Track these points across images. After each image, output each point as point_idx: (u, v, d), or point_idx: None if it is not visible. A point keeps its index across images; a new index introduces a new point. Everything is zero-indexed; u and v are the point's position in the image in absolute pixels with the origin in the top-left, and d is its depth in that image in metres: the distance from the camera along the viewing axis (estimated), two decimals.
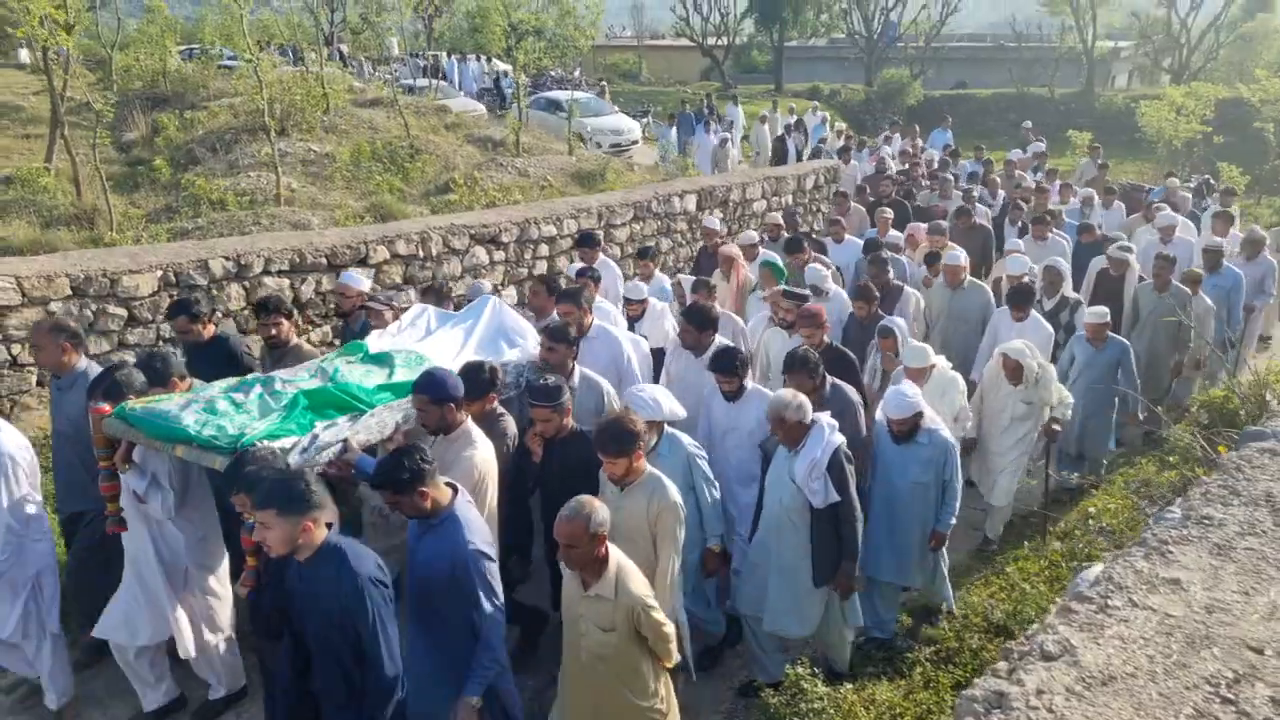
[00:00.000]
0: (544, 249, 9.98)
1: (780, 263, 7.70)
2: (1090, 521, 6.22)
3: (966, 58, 40.63)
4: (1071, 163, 18.09)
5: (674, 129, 19.97)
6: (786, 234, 9.36)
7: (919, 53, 37.26)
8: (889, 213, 10.11)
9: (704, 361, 5.36)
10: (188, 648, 4.30)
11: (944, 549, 5.34)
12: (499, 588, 3.52)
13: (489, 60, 26.33)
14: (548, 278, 6.61)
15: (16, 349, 6.43)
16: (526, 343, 5.29)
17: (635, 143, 20.56)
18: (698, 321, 5.66)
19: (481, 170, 12.90)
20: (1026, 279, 7.71)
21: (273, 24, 18.74)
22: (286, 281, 7.81)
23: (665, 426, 4.56)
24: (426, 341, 5.16)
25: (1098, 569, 3.75)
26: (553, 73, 25.11)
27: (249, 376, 4.46)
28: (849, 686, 4.58)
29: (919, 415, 4.94)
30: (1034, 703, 2.46)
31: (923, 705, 4.46)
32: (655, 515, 4.02)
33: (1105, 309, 6.98)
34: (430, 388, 4.10)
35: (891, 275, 7.69)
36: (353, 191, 11.60)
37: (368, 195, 11.44)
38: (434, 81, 22.11)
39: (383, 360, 4.75)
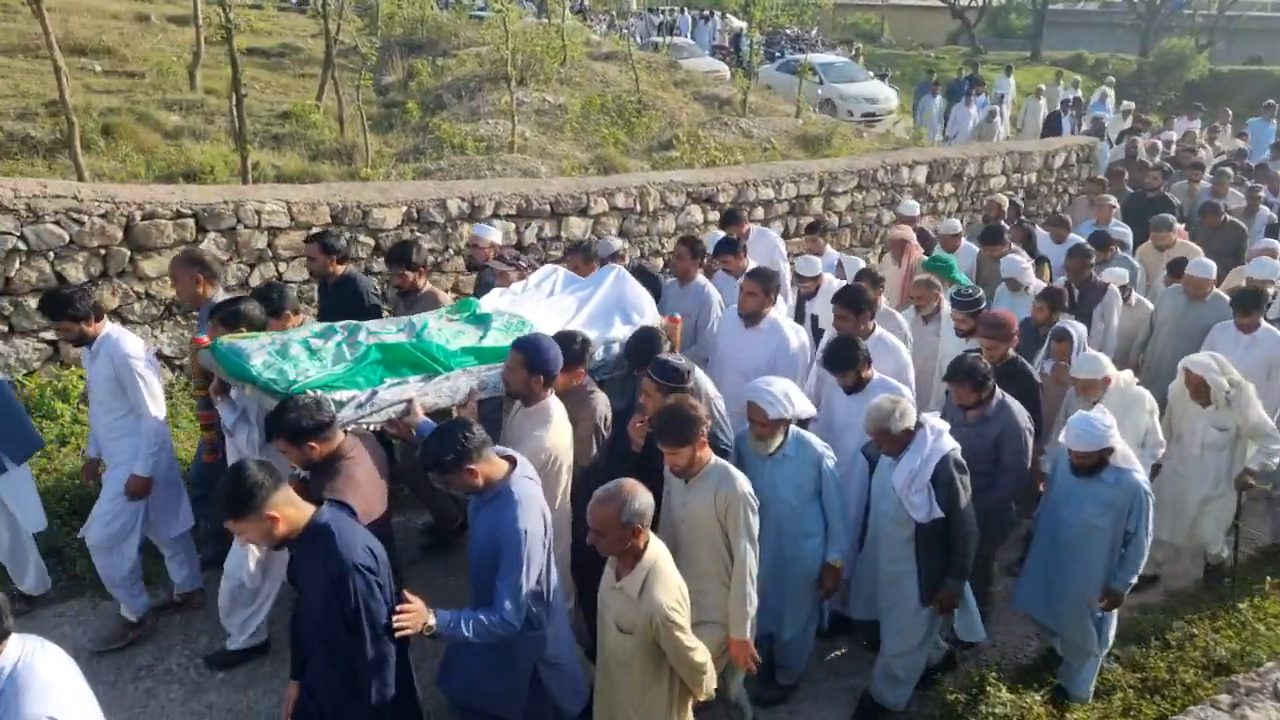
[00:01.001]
0: (759, 212, 9.86)
1: (953, 260, 6.84)
2: None
3: (1267, 29, 35.59)
4: None
5: (936, 98, 18.17)
6: (1004, 218, 8.41)
7: (1209, 21, 33.05)
8: (1112, 199, 8.96)
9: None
10: (246, 576, 4.35)
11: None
12: (534, 574, 3.26)
13: (724, 17, 26.13)
14: (692, 239, 6.12)
15: (283, 267, 7.20)
16: (644, 320, 4.89)
17: (890, 112, 19.03)
18: (852, 304, 5.07)
19: (705, 129, 12.91)
20: (1272, 288, 6.57)
21: None
22: (512, 225, 8.22)
23: (793, 427, 4.19)
24: (537, 306, 4.90)
25: None
26: (788, 31, 24.50)
27: (337, 323, 4.38)
28: (1036, 698, 4.32)
29: (1107, 450, 4.20)
30: None
31: None
32: (724, 508, 3.71)
33: None
34: (529, 350, 3.92)
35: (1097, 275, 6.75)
36: (580, 143, 11.97)
37: (593, 148, 11.77)
38: (676, 39, 22.17)
39: (482, 321, 4.52)
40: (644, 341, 4.49)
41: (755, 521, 3.76)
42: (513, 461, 3.41)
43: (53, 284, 6.29)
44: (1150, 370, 6.70)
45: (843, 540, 4.27)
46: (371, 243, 7.56)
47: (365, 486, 3.48)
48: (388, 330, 4.32)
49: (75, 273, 6.36)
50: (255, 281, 7.14)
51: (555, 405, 3.96)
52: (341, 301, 5.33)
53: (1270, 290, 6.68)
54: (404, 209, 7.67)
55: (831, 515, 4.21)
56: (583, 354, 4.25)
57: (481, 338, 4.37)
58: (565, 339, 4.19)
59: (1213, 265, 6.68)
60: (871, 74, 21.36)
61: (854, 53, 24.22)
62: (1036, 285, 6.60)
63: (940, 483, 3.96)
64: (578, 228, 8.56)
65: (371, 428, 3.85)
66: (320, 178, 9.47)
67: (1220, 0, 33.60)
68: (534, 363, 3.86)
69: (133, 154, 9.60)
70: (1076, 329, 5.51)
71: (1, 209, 6.03)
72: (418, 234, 7.75)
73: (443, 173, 10.19)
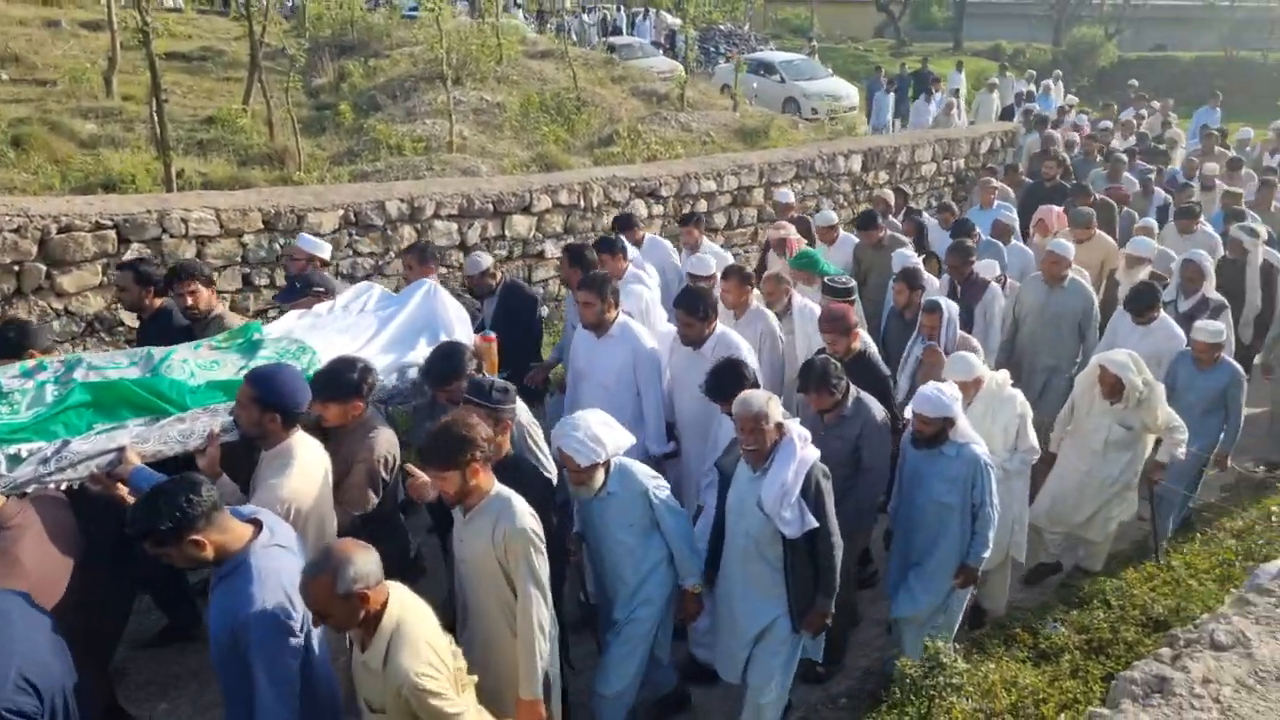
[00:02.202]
0: (703, 204, 9.91)
1: (817, 254, 6.52)
2: (1273, 519, 5.71)
3: (1170, 17, 37.09)
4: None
5: (891, 95, 18.06)
6: (893, 211, 8.17)
7: (1116, 11, 34.39)
8: (994, 183, 9.00)
9: (704, 359, 4.66)
10: None
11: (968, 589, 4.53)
12: (287, 663, 2.70)
13: (658, 14, 26.24)
14: (576, 247, 5.89)
15: (216, 276, 6.96)
16: (454, 339, 4.32)
17: (853, 109, 18.73)
18: (693, 309, 4.78)
19: (645, 124, 12.91)
20: (1142, 272, 6.64)
21: None
22: (455, 226, 8.09)
23: (615, 459, 3.80)
24: (332, 329, 4.26)
25: None
26: (722, 27, 24.70)
27: (51, 359, 3.75)
28: (991, 666, 4.42)
29: (948, 421, 4.22)
30: (1199, 691, 2.30)
31: (1069, 694, 4.24)
32: (503, 544, 3.24)
33: (1219, 326, 5.75)
34: (260, 382, 3.35)
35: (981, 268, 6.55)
36: (520, 141, 11.87)
37: (534, 145, 11.68)
38: (629, 39, 22.00)
39: (251, 350, 3.90)
40: (444, 358, 3.98)
41: (542, 563, 3.30)
42: (259, 527, 2.84)
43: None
44: (1018, 365, 6.52)
45: (689, 562, 3.91)
46: None
47: (30, 563, 2.84)
48: (115, 364, 3.62)
49: None
50: None
51: (301, 446, 3.41)
52: (156, 338, 4.65)
53: (1145, 270, 6.76)
54: (341, 212, 7.48)
55: (675, 542, 3.86)
56: (360, 384, 3.68)
57: (241, 369, 3.70)
58: (341, 367, 3.69)
59: (1071, 246, 6.60)
60: (830, 70, 21.17)
61: (810, 50, 24.12)
62: (929, 281, 6.33)
63: (809, 493, 3.71)
64: (522, 226, 8.48)
65: (64, 486, 3.18)
66: (250, 184, 9.20)
67: None
68: (266, 397, 3.30)
69: (46, 165, 9.17)
70: (947, 303, 5.39)
71: None
72: (356, 238, 7.63)
73: (380, 174, 10.00)
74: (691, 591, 3.96)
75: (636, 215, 7.46)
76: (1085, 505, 5.35)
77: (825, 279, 5.61)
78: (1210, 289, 6.71)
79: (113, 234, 6.51)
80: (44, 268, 6.28)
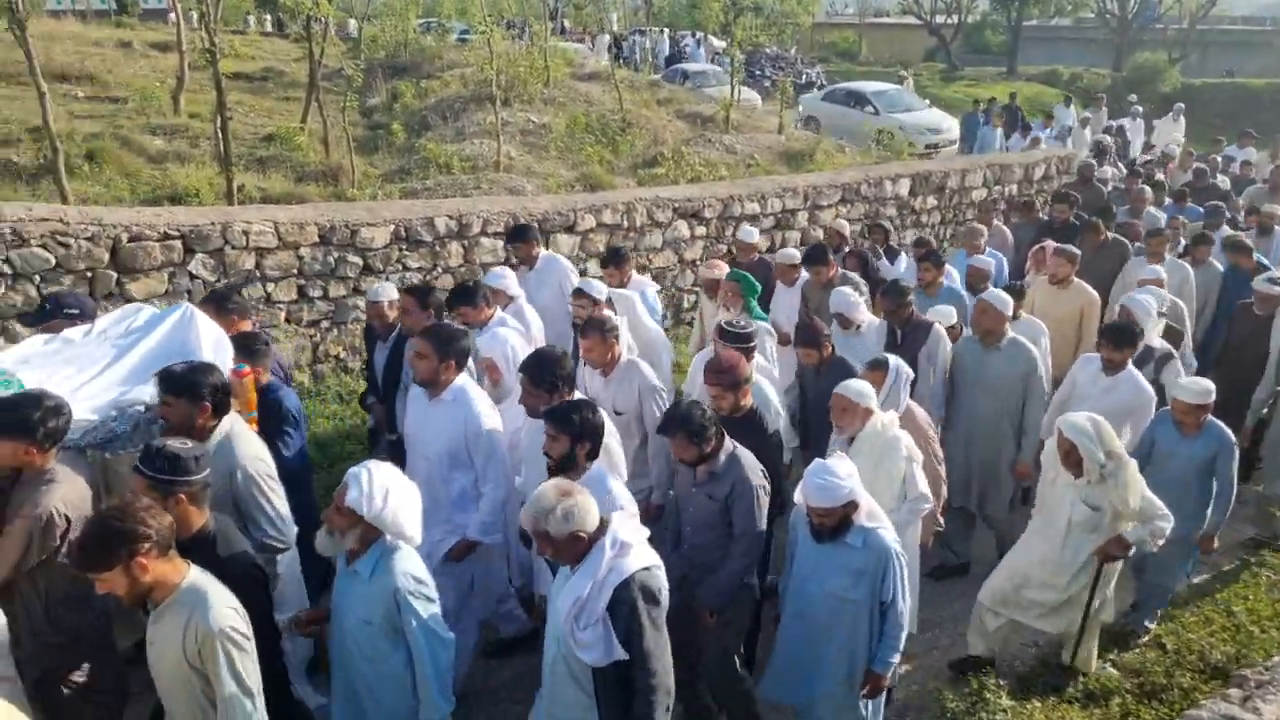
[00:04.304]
0: (746, 225, 9.92)
1: (752, 279, 5.94)
2: None
3: (1237, 42, 36.43)
4: None
5: (999, 130, 16.97)
6: (850, 244, 7.67)
7: (1180, 35, 33.82)
8: (981, 229, 7.96)
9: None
10: None
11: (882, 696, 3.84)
12: None
13: (707, 38, 26.41)
14: (422, 289, 5.26)
15: (271, 287, 7.19)
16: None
17: (953, 143, 17.22)
18: (541, 379, 3.99)
19: (689, 146, 13.00)
20: (1120, 311, 5.73)
21: None
22: (500, 243, 8.23)
23: (389, 538, 3.17)
24: (54, 359, 3.73)
25: None
26: (768, 50, 24.75)
27: None
28: (1037, 704, 4.32)
29: (851, 505, 3.53)
30: None
31: None
32: (196, 648, 2.73)
33: (1207, 385, 4.81)
34: None
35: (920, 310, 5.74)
36: (565, 161, 12.02)
37: (578, 166, 11.83)
38: (704, 66, 21.99)
39: None
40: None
41: (246, 661, 2.77)
42: None
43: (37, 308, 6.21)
44: (963, 435, 5.52)
45: (435, 708, 3.15)
46: (360, 262, 7.56)
47: None
48: None
49: None
50: None
51: None
52: None
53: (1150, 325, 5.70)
54: (392, 228, 7.68)
55: (419, 668, 3.12)
56: (35, 424, 3.10)
57: None
58: (18, 400, 3.16)
59: (1009, 299, 5.52)
60: (928, 102, 19.99)
61: (901, 79, 22.99)
62: (872, 322, 5.79)
63: (619, 614, 2.89)
64: (565, 245, 8.58)
65: None
66: (306, 199, 9.46)
67: (1191, 15, 34.32)
68: None
69: (117, 178, 9.58)
70: (897, 365, 4.67)
71: None
72: (406, 253, 7.75)
73: (429, 192, 10.21)
74: None
75: (531, 229, 6.74)
76: (1040, 592, 4.49)
77: (725, 321, 4.92)
78: (1156, 338, 5.76)
79: (179, 244, 6.79)
80: (114, 275, 6.58)
